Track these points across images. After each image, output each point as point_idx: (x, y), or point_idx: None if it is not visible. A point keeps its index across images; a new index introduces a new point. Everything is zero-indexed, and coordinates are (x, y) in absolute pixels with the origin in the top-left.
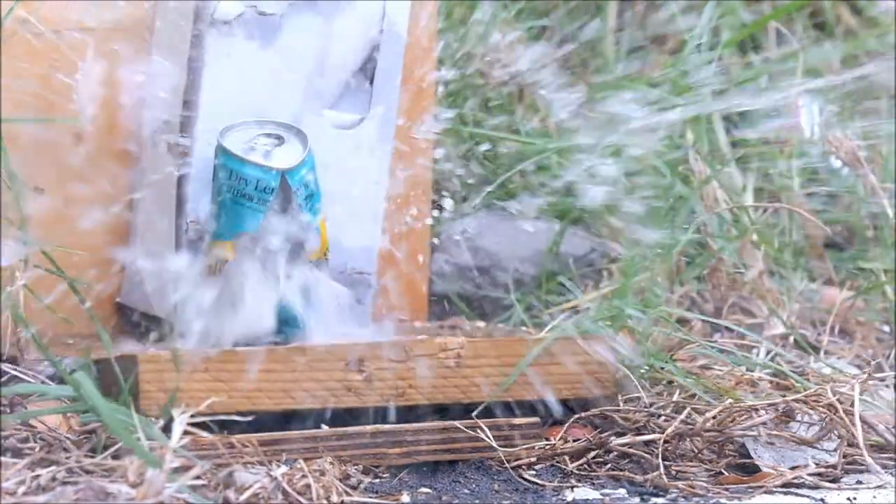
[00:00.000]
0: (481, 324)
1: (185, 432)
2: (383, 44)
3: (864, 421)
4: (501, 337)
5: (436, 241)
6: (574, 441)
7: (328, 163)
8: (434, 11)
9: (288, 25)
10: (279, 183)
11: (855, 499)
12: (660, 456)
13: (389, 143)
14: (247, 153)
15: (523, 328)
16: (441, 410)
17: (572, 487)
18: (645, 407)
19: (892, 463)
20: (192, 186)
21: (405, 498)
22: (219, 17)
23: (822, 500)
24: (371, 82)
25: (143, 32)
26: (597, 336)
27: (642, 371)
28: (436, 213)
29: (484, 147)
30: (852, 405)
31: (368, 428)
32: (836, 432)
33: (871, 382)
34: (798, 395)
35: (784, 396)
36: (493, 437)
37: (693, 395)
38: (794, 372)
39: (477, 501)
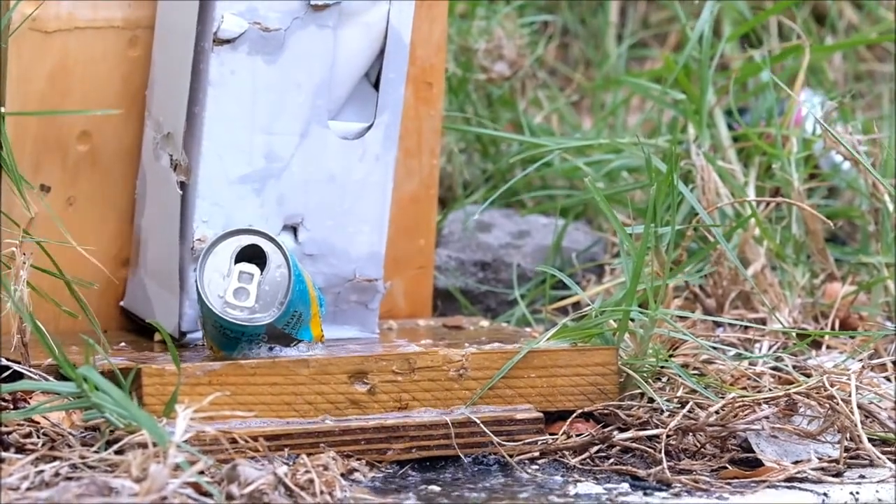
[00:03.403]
0: (485, 322)
1: (189, 428)
2: (388, 51)
3: (864, 409)
4: (505, 339)
5: (440, 237)
6: (577, 436)
7: (334, 173)
8: (444, 9)
9: (292, 39)
10: (267, 326)
11: (858, 493)
12: (663, 450)
13: (394, 149)
14: (226, 309)
15: (527, 328)
16: None
17: (575, 482)
18: (648, 402)
19: (892, 465)
20: (199, 204)
21: (408, 493)
22: (222, 36)
23: (824, 494)
24: (376, 88)
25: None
26: (602, 348)
27: (644, 372)
28: (441, 209)
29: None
30: (850, 395)
31: (371, 423)
32: (837, 424)
33: (871, 374)
34: (800, 388)
35: (787, 390)
36: (496, 431)
37: (696, 391)
38: (795, 367)
39: (480, 496)
